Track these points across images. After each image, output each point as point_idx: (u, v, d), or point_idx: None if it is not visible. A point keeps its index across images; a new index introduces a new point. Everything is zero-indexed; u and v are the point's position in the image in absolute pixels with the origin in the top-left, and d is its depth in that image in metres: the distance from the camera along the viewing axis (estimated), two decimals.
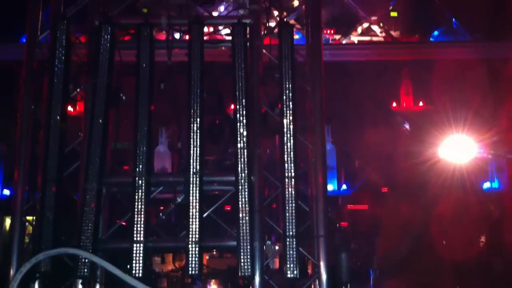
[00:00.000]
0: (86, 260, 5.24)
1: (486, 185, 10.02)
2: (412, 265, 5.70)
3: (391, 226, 5.84)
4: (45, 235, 5.40)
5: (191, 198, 5.41)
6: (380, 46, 11.73)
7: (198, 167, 5.47)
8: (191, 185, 5.44)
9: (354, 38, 12.08)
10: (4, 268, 5.66)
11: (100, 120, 5.56)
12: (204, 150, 5.57)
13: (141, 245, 5.32)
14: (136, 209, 5.40)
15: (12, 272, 5.56)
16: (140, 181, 5.47)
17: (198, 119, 5.58)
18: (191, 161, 5.48)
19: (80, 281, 5.47)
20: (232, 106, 5.75)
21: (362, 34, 12.14)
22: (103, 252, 5.51)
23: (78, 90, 6.15)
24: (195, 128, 5.56)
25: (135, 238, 5.33)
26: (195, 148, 5.52)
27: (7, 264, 5.63)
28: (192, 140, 5.52)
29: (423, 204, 6.00)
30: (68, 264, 5.48)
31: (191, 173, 5.46)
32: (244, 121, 5.62)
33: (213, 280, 7.57)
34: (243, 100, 5.67)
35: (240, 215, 5.41)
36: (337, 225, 9.30)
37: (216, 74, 6.04)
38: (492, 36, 10.88)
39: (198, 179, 5.45)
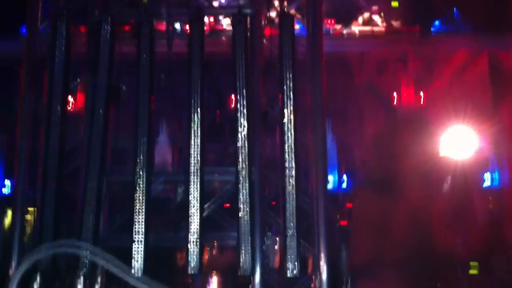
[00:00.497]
0: (86, 259, 5.23)
1: (486, 183, 9.98)
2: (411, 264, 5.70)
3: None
4: (45, 233, 5.38)
5: (191, 197, 5.39)
6: (381, 38, 11.68)
7: (198, 166, 5.45)
8: (191, 184, 5.42)
9: (355, 28, 12.00)
10: (4, 265, 5.65)
11: (100, 119, 5.53)
12: (204, 150, 5.54)
13: (141, 244, 5.31)
14: (136, 208, 5.38)
15: (12, 269, 5.55)
16: (140, 180, 5.44)
17: (199, 118, 5.55)
18: (192, 160, 5.46)
19: (80, 279, 5.45)
20: (233, 105, 5.71)
21: (363, 24, 12.06)
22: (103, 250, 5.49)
23: (78, 80, 6.12)
24: (195, 127, 5.53)
25: (135, 237, 5.32)
26: (195, 147, 5.49)
27: (8, 262, 5.62)
28: (192, 139, 5.49)
29: (420, 200, 6.01)
30: (69, 262, 5.48)
31: (192, 172, 5.43)
32: (245, 122, 5.58)
33: (214, 278, 7.56)
34: (244, 97, 5.63)
35: (241, 214, 5.40)
36: (337, 223, 9.28)
37: (216, 72, 6.01)
38: (493, 27, 10.81)
39: (198, 178, 5.43)
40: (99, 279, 5.58)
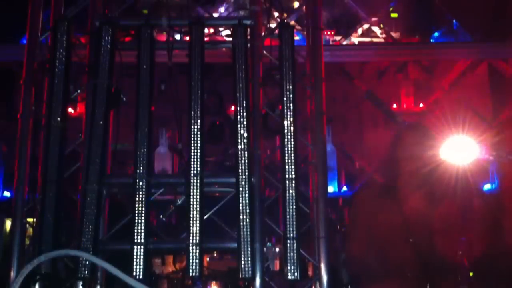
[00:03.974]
0: (87, 262, 5.23)
1: (487, 186, 9.99)
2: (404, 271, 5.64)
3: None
4: (45, 237, 5.38)
5: (191, 199, 5.41)
6: (380, 47, 11.70)
7: (198, 168, 5.47)
8: (192, 187, 5.43)
9: (355, 39, 12.06)
10: (4, 269, 5.64)
11: (101, 121, 5.56)
12: (204, 152, 5.56)
13: (142, 246, 5.31)
14: (136, 211, 5.39)
15: (12, 274, 5.55)
16: (140, 183, 5.46)
17: (199, 121, 5.58)
18: (192, 162, 5.48)
19: (81, 282, 5.45)
20: (233, 108, 5.74)
21: (362, 35, 12.12)
22: (103, 253, 5.50)
23: (78, 91, 6.14)
24: (195, 129, 5.55)
25: (135, 240, 5.33)
26: (195, 150, 5.51)
27: (8, 266, 5.61)
28: (192, 141, 5.51)
29: (421, 205, 5.96)
30: (69, 265, 5.47)
31: (192, 174, 5.45)
32: (245, 122, 5.61)
33: (214, 282, 7.55)
34: (244, 102, 5.66)
35: (241, 217, 5.41)
36: (338, 226, 9.27)
37: (216, 75, 6.04)
38: (493, 37, 10.85)
39: (198, 180, 5.45)
40: (99, 282, 5.57)
